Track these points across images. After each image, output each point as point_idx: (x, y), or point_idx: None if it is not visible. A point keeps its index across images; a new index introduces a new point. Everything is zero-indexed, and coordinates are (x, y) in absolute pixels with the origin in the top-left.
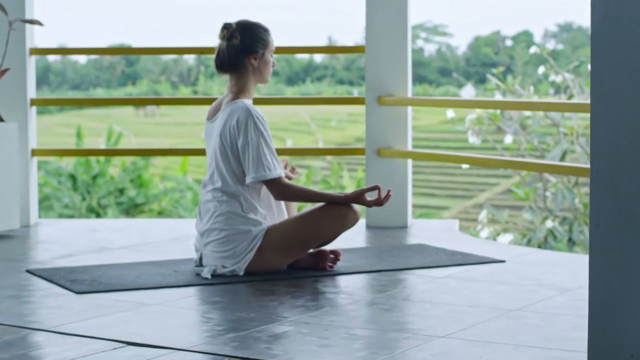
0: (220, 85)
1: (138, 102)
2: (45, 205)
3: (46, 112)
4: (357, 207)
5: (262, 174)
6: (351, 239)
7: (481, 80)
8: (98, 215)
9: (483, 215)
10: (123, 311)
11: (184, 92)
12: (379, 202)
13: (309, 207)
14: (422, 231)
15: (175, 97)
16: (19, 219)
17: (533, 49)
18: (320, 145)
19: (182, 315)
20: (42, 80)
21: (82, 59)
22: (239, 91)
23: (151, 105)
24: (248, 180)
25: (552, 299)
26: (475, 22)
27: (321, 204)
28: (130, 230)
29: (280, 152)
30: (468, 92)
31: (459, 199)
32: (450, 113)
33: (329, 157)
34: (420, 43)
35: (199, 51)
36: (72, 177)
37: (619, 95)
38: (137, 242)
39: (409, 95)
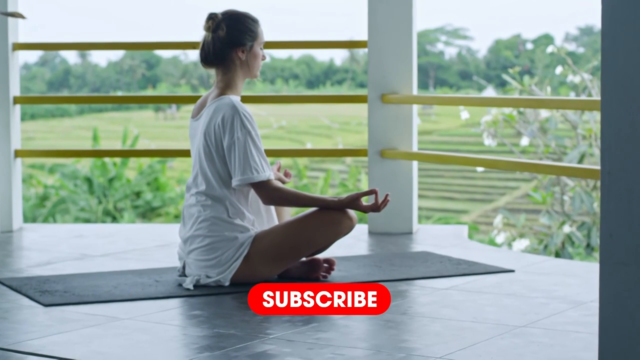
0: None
1: (130, 100)
2: (61, 208)
3: (66, 115)
4: (353, 213)
5: (250, 176)
6: (351, 246)
7: (502, 84)
8: (114, 219)
9: (498, 220)
10: (91, 326)
11: None
12: (375, 208)
13: (300, 212)
14: (428, 238)
15: (168, 94)
16: None
17: (550, 48)
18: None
19: (154, 331)
20: (63, 83)
21: (102, 62)
22: (225, 87)
23: (170, 109)
24: (234, 182)
25: (564, 313)
26: (496, 25)
27: (314, 209)
28: (117, 236)
29: (280, 154)
30: (489, 95)
31: (479, 203)
32: (465, 114)
33: (348, 161)
34: (440, 46)
35: (192, 46)
36: (88, 180)
37: (632, 87)
38: (122, 248)
39: (414, 93)
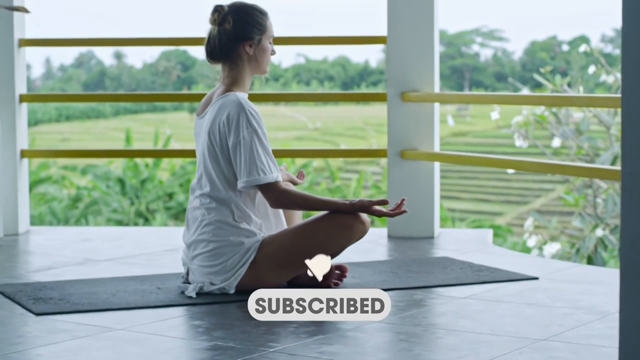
0: (274, 90)
1: (133, 99)
2: (94, 209)
3: (101, 116)
4: (366, 217)
5: (256, 178)
6: (369, 251)
7: (537, 85)
8: (147, 220)
9: (529, 223)
10: (80, 337)
11: None
12: (388, 214)
13: (310, 215)
14: (450, 242)
15: (173, 92)
16: (2, 227)
17: (583, 47)
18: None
19: (147, 343)
20: (98, 84)
21: (138, 63)
22: (231, 83)
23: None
24: (240, 184)
25: (589, 325)
26: (532, 27)
27: (324, 212)
28: (125, 240)
29: (301, 154)
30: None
31: (514, 205)
32: (495, 115)
33: (382, 162)
34: (476, 48)
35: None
36: (121, 182)
37: None
38: (128, 253)
39: (436, 90)
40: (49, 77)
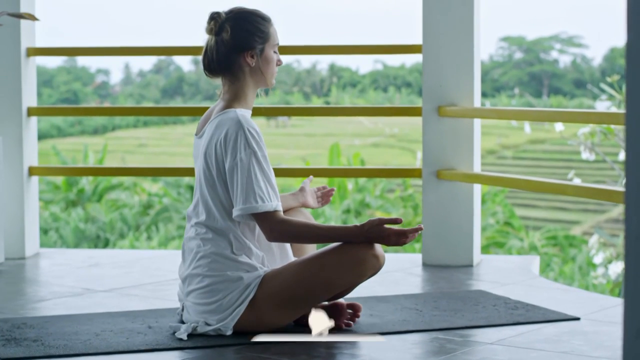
0: (351, 97)
1: (137, 112)
2: (164, 216)
3: (178, 122)
4: (380, 250)
5: (253, 206)
6: (398, 282)
7: (611, 95)
8: None
9: (594, 240)
10: None
11: (316, 103)
12: (398, 242)
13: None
14: (490, 272)
15: (186, 106)
16: (3, 251)
17: None
18: None
19: None
20: (176, 90)
21: None
22: (232, 98)
23: (282, 116)
24: (235, 213)
25: None
26: (611, 33)
27: (334, 245)
28: (136, 265)
29: (324, 173)
30: (603, 104)
31: (591, 214)
32: (559, 127)
33: None
34: (554, 54)
35: None
36: (192, 189)
37: None
38: (134, 281)
39: (476, 105)
40: (127, 83)
